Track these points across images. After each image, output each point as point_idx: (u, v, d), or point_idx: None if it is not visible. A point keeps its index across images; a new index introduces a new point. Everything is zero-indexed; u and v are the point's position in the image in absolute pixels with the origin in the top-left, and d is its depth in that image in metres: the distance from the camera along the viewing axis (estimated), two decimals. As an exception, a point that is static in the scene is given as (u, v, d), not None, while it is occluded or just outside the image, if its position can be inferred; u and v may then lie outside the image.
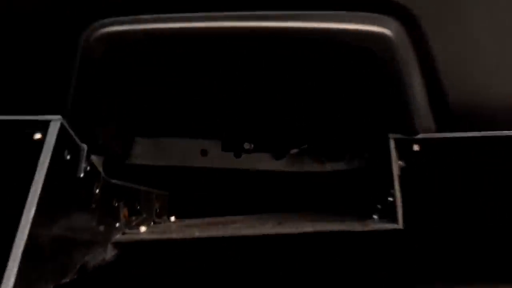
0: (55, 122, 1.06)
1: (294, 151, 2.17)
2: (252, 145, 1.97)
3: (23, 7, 1.08)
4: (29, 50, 1.11)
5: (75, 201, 1.12)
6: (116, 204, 1.28)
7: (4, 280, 0.91)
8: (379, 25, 1.06)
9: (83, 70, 1.13)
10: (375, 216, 1.18)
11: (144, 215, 1.41)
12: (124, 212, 1.31)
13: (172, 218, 1.46)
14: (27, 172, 1.03)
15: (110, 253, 1.24)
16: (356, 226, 1.15)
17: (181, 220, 1.45)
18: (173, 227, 1.36)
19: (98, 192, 1.20)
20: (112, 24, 1.10)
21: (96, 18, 1.10)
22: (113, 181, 1.27)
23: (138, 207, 1.38)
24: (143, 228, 1.31)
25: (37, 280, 0.97)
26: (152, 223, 1.43)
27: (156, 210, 1.47)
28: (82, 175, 1.13)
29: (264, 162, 2.17)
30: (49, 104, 1.15)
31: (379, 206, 1.29)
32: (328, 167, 2.15)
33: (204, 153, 2.14)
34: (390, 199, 1.16)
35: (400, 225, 1.10)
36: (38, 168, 1.01)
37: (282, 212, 1.63)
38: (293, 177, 2.08)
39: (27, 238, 0.93)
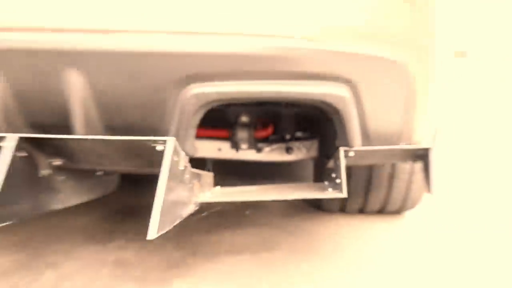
0: (171, 141, 2.10)
1: (267, 148, 3.30)
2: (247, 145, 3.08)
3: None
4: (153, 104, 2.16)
5: (179, 182, 2.17)
6: (193, 181, 2.34)
7: (153, 216, 1.95)
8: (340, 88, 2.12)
9: (181, 113, 2.18)
10: (329, 189, 2.27)
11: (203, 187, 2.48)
12: (196, 186, 2.37)
13: (218, 188, 2.53)
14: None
15: (190, 209, 2.31)
16: (317, 194, 2.24)
17: (224, 188, 2.52)
18: (229, 193, 2.43)
19: (187, 176, 2.25)
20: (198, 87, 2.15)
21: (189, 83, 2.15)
22: (192, 168, 2.33)
23: (201, 183, 2.45)
24: (208, 194, 2.38)
25: (170, 221, 2.03)
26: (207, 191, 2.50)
27: (207, 183, 2.55)
28: (182, 168, 2.18)
29: (251, 155, 3.30)
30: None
31: (327, 183, 2.39)
32: (292, 157, 3.28)
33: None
34: (338, 180, 2.25)
35: (344, 194, 2.19)
36: (162, 169, 2.05)
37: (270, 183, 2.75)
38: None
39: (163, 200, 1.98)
